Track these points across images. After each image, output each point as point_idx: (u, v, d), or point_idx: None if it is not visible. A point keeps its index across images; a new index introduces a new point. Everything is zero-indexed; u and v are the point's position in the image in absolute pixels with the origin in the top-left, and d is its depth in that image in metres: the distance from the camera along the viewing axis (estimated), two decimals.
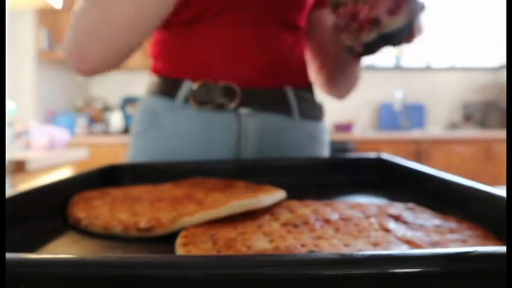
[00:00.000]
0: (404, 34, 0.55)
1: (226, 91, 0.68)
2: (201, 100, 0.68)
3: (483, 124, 3.61)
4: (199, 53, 0.69)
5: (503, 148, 3.02)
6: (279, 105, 0.71)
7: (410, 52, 3.72)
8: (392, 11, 0.53)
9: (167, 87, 0.70)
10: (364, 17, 0.55)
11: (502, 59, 3.53)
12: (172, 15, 0.65)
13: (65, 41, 0.62)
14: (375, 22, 0.55)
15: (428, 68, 3.71)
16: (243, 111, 0.69)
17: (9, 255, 0.20)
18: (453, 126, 3.62)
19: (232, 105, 0.68)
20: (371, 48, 0.57)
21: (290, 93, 0.71)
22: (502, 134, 3.07)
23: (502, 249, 0.20)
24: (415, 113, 3.62)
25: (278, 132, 0.71)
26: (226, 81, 0.68)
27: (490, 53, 3.66)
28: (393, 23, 0.54)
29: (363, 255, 0.20)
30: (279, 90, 0.71)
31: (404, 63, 3.73)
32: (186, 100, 0.69)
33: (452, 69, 3.71)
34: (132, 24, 0.57)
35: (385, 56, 3.70)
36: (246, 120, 0.69)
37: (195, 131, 0.69)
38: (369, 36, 0.55)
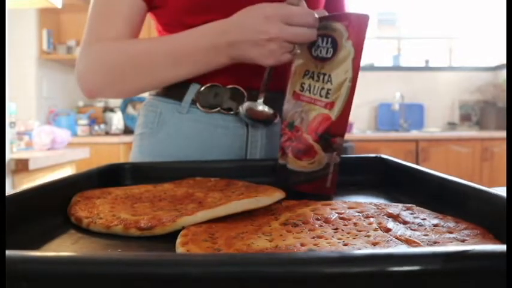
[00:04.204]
0: (300, 181, 0.54)
1: (234, 94, 0.68)
2: (209, 104, 0.68)
3: (480, 124, 3.61)
4: None
5: (500, 148, 3.03)
6: None
7: (408, 52, 3.72)
8: (298, 154, 0.53)
9: (173, 90, 0.70)
10: (281, 142, 0.57)
11: (500, 59, 3.53)
12: (178, 19, 0.65)
13: (78, 64, 0.67)
14: (283, 153, 0.56)
15: (426, 68, 3.72)
16: None
17: (10, 252, 0.21)
18: (451, 126, 3.62)
19: (240, 109, 0.67)
20: (278, 171, 0.57)
21: None
22: (499, 133, 3.07)
23: (500, 248, 0.20)
24: (414, 113, 3.62)
25: None
26: (233, 85, 0.68)
27: (488, 52, 3.66)
28: (294, 164, 0.54)
29: (362, 253, 0.20)
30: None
31: (403, 63, 3.73)
32: (193, 103, 0.68)
33: (450, 69, 3.71)
34: (148, 87, 0.67)
35: (384, 55, 3.70)
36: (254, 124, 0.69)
37: (202, 134, 0.69)
38: (281, 159, 0.57)
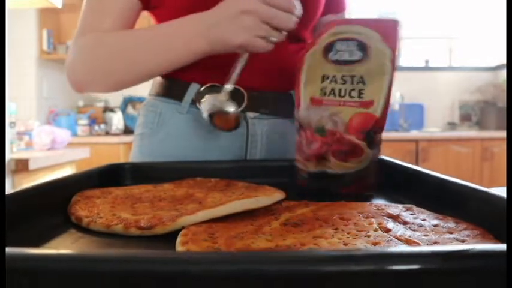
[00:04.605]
0: (346, 183, 0.53)
1: (234, 94, 0.68)
2: None
3: (480, 124, 3.61)
4: (207, 57, 0.69)
5: (500, 148, 3.03)
6: (286, 110, 0.70)
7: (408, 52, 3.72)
8: (342, 157, 0.52)
9: (173, 90, 0.69)
10: (315, 149, 0.53)
11: (500, 59, 3.53)
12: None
13: (68, 60, 0.68)
14: (321, 158, 0.53)
15: (426, 68, 3.71)
16: (251, 115, 0.69)
17: (10, 249, 0.21)
18: (451, 126, 3.62)
19: (240, 109, 0.67)
20: (313, 180, 0.55)
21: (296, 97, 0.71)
22: (499, 133, 3.07)
23: (500, 247, 0.20)
24: (414, 113, 3.62)
25: (285, 136, 0.71)
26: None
27: (488, 52, 3.66)
28: (338, 167, 0.53)
29: (362, 252, 0.21)
30: (286, 95, 0.71)
31: (403, 62, 3.73)
32: (193, 103, 0.68)
33: (450, 69, 3.71)
34: (137, 78, 0.65)
35: None
36: (254, 124, 0.69)
37: (202, 134, 0.68)
38: (312, 168, 0.54)
